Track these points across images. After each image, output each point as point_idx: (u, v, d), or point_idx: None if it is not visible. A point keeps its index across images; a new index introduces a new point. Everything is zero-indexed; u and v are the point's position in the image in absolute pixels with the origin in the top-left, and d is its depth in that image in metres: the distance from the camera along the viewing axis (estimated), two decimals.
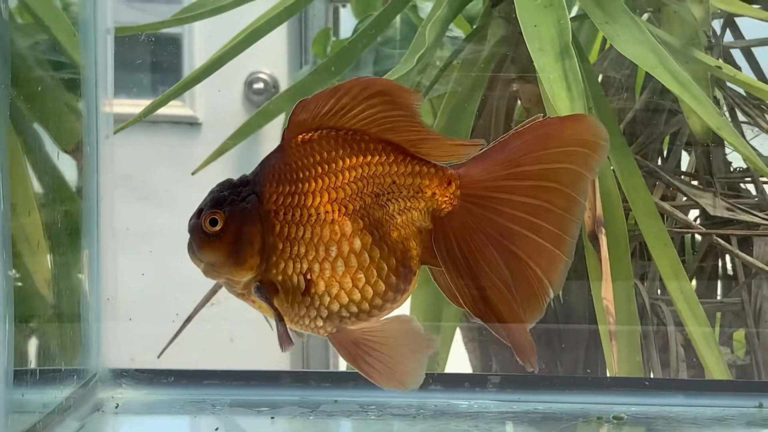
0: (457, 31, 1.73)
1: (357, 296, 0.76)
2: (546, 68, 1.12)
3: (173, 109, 2.01)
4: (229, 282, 0.77)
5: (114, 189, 1.40)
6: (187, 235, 0.77)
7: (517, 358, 0.78)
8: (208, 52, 1.53)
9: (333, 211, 0.75)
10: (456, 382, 1.19)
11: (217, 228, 0.74)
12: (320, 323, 0.77)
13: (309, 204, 0.75)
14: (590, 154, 0.78)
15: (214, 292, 1.28)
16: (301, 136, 0.76)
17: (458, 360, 1.45)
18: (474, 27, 1.46)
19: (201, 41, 1.93)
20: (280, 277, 0.75)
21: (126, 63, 1.95)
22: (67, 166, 1.31)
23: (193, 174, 1.41)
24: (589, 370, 1.39)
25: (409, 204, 0.77)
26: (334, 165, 0.75)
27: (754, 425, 1.19)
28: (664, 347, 1.40)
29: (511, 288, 0.78)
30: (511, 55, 1.35)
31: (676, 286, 1.27)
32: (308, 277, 0.75)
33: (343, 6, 2.06)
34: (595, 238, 1.17)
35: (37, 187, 1.21)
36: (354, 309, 0.76)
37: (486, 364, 1.41)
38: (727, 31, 1.53)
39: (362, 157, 0.76)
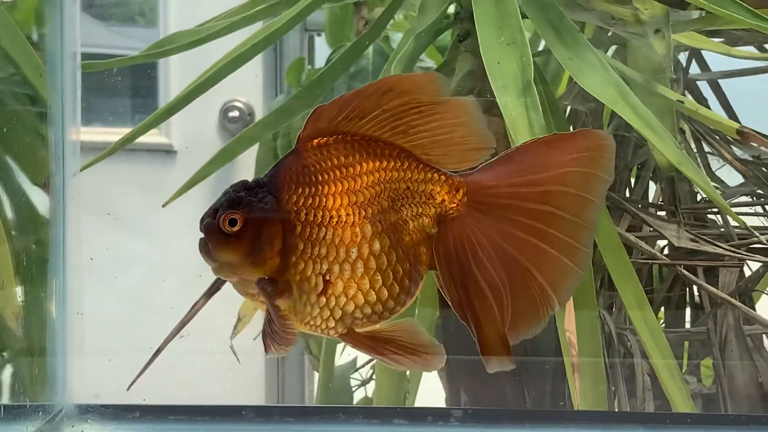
0: (429, 62, 1.75)
1: (372, 298, 0.77)
2: (508, 105, 1.14)
3: (148, 137, 2.01)
4: (243, 282, 0.77)
5: (83, 219, 1.41)
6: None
7: (486, 363, 0.79)
8: (185, 77, 1.53)
9: (353, 213, 0.77)
10: (419, 416, 1.20)
11: (236, 228, 0.74)
12: (332, 324, 0.78)
13: (330, 206, 0.76)
14: (601, 155, 0.79)
15: (183, 324, 1.30)
16: (316, 141, 0.77)
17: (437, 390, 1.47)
18: (443, 60, 1.48)
19: (177, 67, 1.94)
20: (298, 278, 0.76)
21: (100, 89, 1.96)
22: (36, 198, 1.32)
23: (163, 206, 1.41)
24: (562, 403, 1.40)
25: (420, 210, 0.79)
26: (351, 169, 0.77)
27: None
28: (630, 377, 1.41)
29: (502, 296, 0.79)
30: (477, 88, 1.36)
31: (640, 317, 1.28)
32: (327, 278, 0.76)
33: (318, 35, 2.08)
34: None
35: (6, 217, 1.21)
36: (368, 310, 0.77)
37: (455, 396, 1.42)
38: (695, 63, 1.56)
39: (378, 162, 0.78)
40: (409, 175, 0.78)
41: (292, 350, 0.78)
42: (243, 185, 0.76)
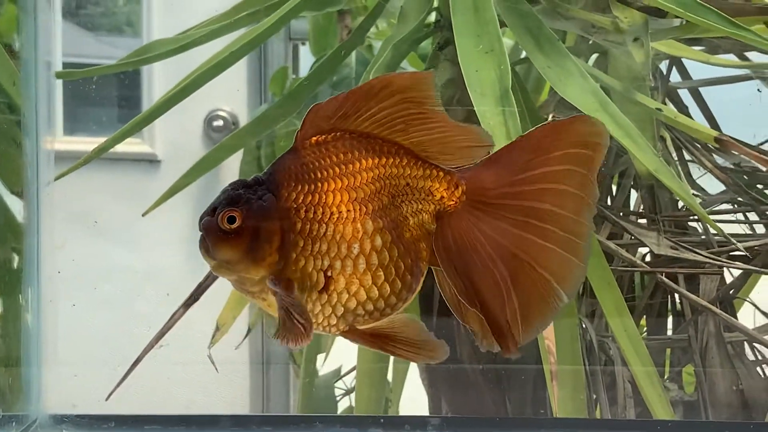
0: (410, 69, 1.75)
1: (375, 294, 0.77)
2: (486, 114, 1.14)
3: (132, 146, 2.01)
4: (242, 280, 0.77)
5: (65, 228, 1.40)
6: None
7: (499, 346, 0.78)
8: (169, 87, 1.53)
9: (353, 210, 0.77)
10: (397, 424, 1.20)
11: (235, 225, 0.74)
12: (334, 321, 0.77)
13: (330, 203, 0.76)
14: (592, 154, 0.79)
15: (161, 334, 1.29)
16: (315, 138, 0.77)
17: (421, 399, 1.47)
18: (423, 69, 1.48)
19: (162, 77, 1.94)
20: (298, 275, 0.75)
21: (85, 99, 1.96)
22: (14, 206, 1.31)
23: (143, 215, 1.41)
24: (543, 411, 1.40)
25: (420, 206, 0.79)
26: (351, 166, 0.77)
27: None
28: (611, 384, 1.41)
29: (502, 290, 0.79)
30: (457, 96, 1.37)
31: (619, 325, 1.28)
32: (329, 274, 0.76)
33: (303, 44, 2.08)
34: None
35: None
36: (370, 307, 0.77)
37: (437, 405, 1.42)
38: (675, 72, 1.57)
39: (378, 159, 0.78)
40: (409, 172, 0.78)
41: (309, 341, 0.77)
42: (242, 183, 0.76)
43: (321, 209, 0.76)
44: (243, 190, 0.75)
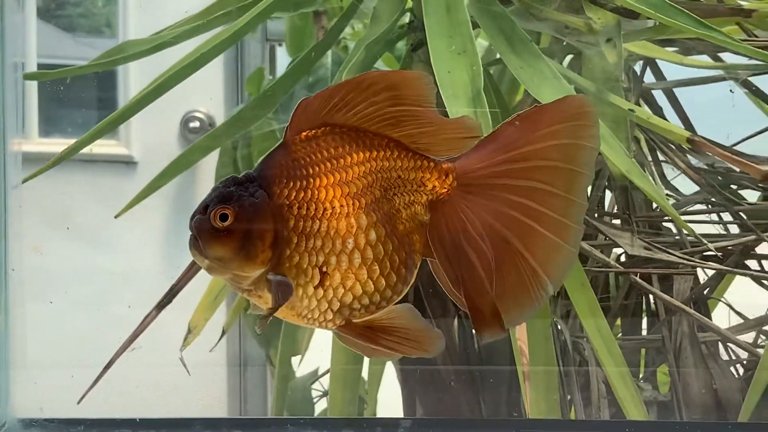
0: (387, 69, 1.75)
1: (370, 288, 0.77)
2: (458, 114, 1.14)
3: (109, 147, 2.01)
4: (236, 278, 0.76)
5: (37, 229, 1.39)
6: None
7: (479, 333, 0.78)
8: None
9: (347, 204, 0.77)
10: (369, 426, 1.19)
11: (227, 223, 0.74)
12: (330, 316, 0.77)
13: (323, 198, 0.76)
14: (584, 124, 0.79)
15: (134, 336, 1.29)
16: (304, 133, 0.77)
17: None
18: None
19: (138, 77, 1.94)
20: (293, 271, 0.75)
21: (60, 101, 1.95)
22: None
23: (116, 217, 1.40)
24: (516, 414, 1.40)
25: (412, 198, 0.79)
26: (342, 160, 0.77)
27: None
28: (586, 385, 1.41)
29: (492, 272, 0.79)
30: None
31: (593, 325, 1.28)
32: (324, 269, 0.76)
33: (280, 45, 2.08)
34: None
35: None
36: (366, 301, 0.77)
37: (411, 406, 1.42)
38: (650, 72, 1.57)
39: (368, 153, 0.78)
40: (400, 164, 0.78)
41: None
42: (233, 180, 0.76)
43: (314, 205, 0.76)
44: (234, 188, 0.75)
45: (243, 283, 0.77)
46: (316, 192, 0.76)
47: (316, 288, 0.76)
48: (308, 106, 0.76)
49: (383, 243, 0.77)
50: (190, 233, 0.75)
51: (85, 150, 1.44)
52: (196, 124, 2.03)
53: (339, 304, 0.77)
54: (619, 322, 1.52)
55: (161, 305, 1.28)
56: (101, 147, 1.61)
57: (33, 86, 1.96)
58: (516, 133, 0.79)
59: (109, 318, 1.49)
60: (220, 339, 1.42)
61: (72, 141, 1.43)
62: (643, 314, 1.53)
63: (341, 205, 0.76)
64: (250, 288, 0.77)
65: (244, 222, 0.74)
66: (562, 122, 0.80)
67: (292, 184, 0.76)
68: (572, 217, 0.80)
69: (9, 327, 1.22)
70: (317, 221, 0.76)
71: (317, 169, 0.76)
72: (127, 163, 2.02)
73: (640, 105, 1.51)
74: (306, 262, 0.76)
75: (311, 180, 0.76)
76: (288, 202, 0.75)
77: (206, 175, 1.97)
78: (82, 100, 2.00)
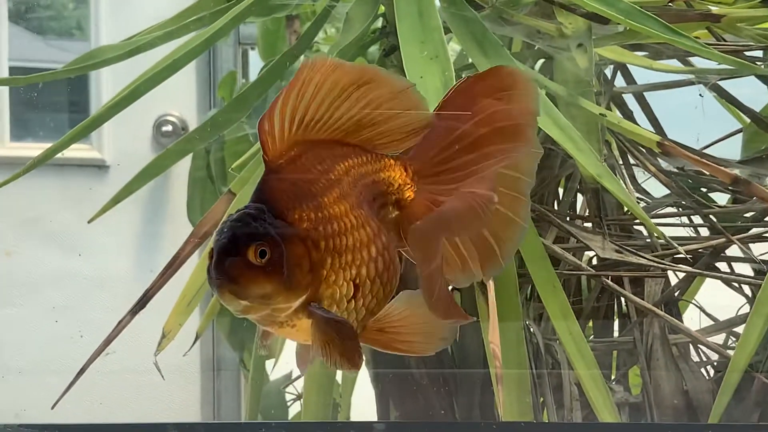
0: None
1: (388, 289, 0.77)
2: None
3: (80, 152, 2.00)
4: (275, 312, 0.74)
5: (10, 234, 1.39)
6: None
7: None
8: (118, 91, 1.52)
9: (356, 216, 0.76)
10: (342, 430, 1.20)
11: (267, 258, 0.72)
12: (355, 326, 0.76)
13: (338, 214, 0.75)
14: (520, 92, 0.80)
15: (108, 342, 1.28)
16: (285, 157, 0.75)
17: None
18: None
19: (110, 81, 1.93)
20: (330, 291, 0.74)
21: (32, 105, 1.94)
22: None
23: (89, 222, 1.40)
24: (487, 417, 1.41)
25: (385, 199, 0.79)
26: (332, 175, 0.76)
27: None
28: (558, 387, 1.42)
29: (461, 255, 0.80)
30: None
31: (564, 327, 1.30)
32: (356, 281, 0.75)
33: (252, 48, 2.08)
34: (482, 282, 1.19)
35: None
36: (383, 303, 0.77)
37: (385, 409, 1.42)
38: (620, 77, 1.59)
39: (347, 162, 0.77)
40: (370, 167, 0.79)
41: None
42: (247, 216, 0.73)
43: (334, 222, 0.75)
44: (257, 223, 0.73)
45: (281, 316, 0.74)
46: (329, 209, 0.75)
47: (349, 302, 0.75)
48: (271, 128, 0.74)
49: (388, 245, 0.77)
50: (215, 281, 0.71)
51: (57, 154, 1.44)
52: (169, 128, 2.03)
53: (365, 311, 0.76)
54: (590, 324, 1.54)
55: (135, 310, 1.28)
56: (73, 151, 1.60)
57: (4, 90, 1.95)
58: (456, 109, 0.80)
59: (82, 322, 1.48)
60: (194, 343, 1.42)
61: (44, 145, 1.43)
62: (615, 317, 1.54)
63: (354, 217, 0.76)
64: (285, 320, 0.75)
65: (280, 253, 0.72)
66: (498, 91, 0.80)
67: (304, 206, 0.74)
68: (520, 190, 0.82)
69: None
70: (343, 236, 0.75)
71: (318, 186, 0.75)
72: (99, 167, 2.01)
73: (611, 109, 1.52)
74: (341, 279, 0.75)
75: (319, 199, 0.75)
76: (312, 225, 0.74)
77: (179, 179, 1.97)
78: (55, 103, 1.99)
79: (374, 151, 0.79)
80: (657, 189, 1.56)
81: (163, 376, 1.25)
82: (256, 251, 0.71)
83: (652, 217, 1.50)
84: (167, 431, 1.17)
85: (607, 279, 1.43)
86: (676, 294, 1.50)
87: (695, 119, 1.56)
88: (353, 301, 0.75)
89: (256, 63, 2.05)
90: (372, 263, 0.76)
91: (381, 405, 1.43)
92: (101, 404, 1.35)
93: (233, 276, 0.71)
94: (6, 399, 1.26)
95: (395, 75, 0.80)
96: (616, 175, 1.42)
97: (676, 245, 1.35)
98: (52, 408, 1.24)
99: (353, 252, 0.75)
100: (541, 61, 1.52)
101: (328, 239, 0.74)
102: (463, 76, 1.47)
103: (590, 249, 1.44)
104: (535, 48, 1.46)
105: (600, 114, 1.32)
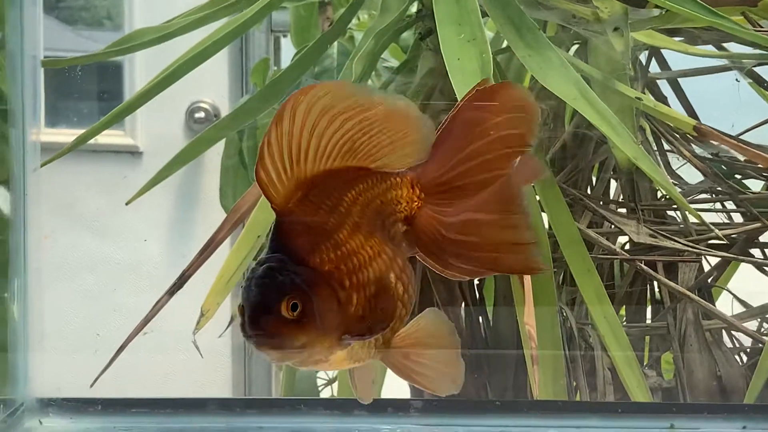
0: (393, 61, 1.76)
1: (408, 307, 0.77)
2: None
3: (114, 138, 2.02)
4: (311, 354, 0.74)
5: (46, 218, 1.41)
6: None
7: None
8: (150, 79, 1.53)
9: (372, 245, 0.75)
10: (380, 407, 1.21)
11: (299, 310, 0.71)
12: (379, 344, 0.77)
13: (356, 247, 0.75)
14: (525, 116, 0.79)
15: (146, 321, 1.30)
16: (292, 200, 0.74)
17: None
18: (405, 58, 1.49)
19: (143, 69, 1.95)
20: (361, 324, 0.75)
21: (66, 92, 1.96)
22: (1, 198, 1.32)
23: (127, 204, 1.41)
24: (522, 396, 1.41)
25: (394, 217, 0.78)
26: (341, 207, 0.75)
27: None
28: (591, 371, 1.42)
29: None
30: (439, 86, 1.38)
31: (599, 311, 1.30)
32: (381, 308, 0.75)
33: (284, 36, 2.09)
34: None
35: None
36: (404, 320, 0.77)
37: (418, 389, 1.42)
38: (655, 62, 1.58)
39: (352, 190, 0.76)
40: (377, 190, 0.77)
41: None
42: (270, 271, 0.72)
43: (354, 258, 0.74)
44: (283, 275, 0.72)
45: (317, 356, 0.74)
46: (346, 245, 0.74)
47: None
48: (268, 175, 0.73)
49: (404, 266, 0.77)
50: (252, 338, 0.71)
51: (91, 140, 1.45)
52: (201, 114, 2.04)
53: (391, 333, 0.76)
54: (623, 309, 1.54)
55: (172, 291, 1.29)
56: (107, 137, 1.61)
57: (39, 77, 1.97)
58: (464, 128, 0.78)
59: (118, 305, 1.50)
60: (228, 325, 1.43)
61: (78, 131, 1.44)
62: (648, 302, 1.54)
63: (370, 247, 0.75)
64: (320, 357, 0.74)
65: (310, 301, 0.72)
66: (507, 113, 0.79)
67: (323, 247, 0.73)
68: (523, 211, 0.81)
69: (28, 313, 1.23)
70: (364, 270, 0.74)
71: (331, 224, 0.74)
72: (132, 153, 2.03)
73: (645, 94, 1.52)
74: (369, 310, 0.75)
75: (335, 236, 0.74)
76: (333, 266, 0.73)
77: (211, 166, 1.98)
78: (88, 91, 2.01)
79: (378, 171, 0.77)
80: (691, 176, 1.56)
81: (201, 355, 1.26)
82: (288, 305, 0.71)
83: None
84: (208, 406, 1.18)
85: (641, 264, 1.43)
86: (709, 280, 1.50)
87: (729, 106, 1.55)
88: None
89: (288, 50, 2.05)
90: (393, 289, 0.76)
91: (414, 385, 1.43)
92: (136, 382, 1.37)
93: (270, 333, 0.71)
94: (48, 376, 1.27)
95: (380, 91, 0.79)
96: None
97: (715, 229, 1.35)
98: (92, 386, 1.26)
99: (375, 283, 0.75)
100: (576, 45, 1.52)
101: (351, 276, 0.74)
102: (498, 59, 1.48)
103: (624, 234, 1.44)
104: (571, 32, 1.46)
105: (636, 98, 1.31)
